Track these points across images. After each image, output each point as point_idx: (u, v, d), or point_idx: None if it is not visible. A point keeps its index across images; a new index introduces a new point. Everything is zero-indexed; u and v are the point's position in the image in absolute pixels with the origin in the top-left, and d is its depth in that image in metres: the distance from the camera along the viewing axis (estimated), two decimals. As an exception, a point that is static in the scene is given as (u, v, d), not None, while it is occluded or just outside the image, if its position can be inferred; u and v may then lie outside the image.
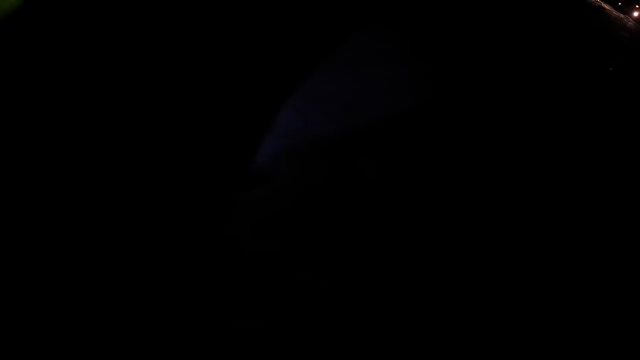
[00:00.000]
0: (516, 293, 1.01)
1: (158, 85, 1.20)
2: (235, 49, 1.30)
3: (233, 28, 1.29)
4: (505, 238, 1.08)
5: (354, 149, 1.18)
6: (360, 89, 1.26)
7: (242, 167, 1.14)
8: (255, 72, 1.27)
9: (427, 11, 1.41)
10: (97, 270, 0.98)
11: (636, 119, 1.30)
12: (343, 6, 1.35)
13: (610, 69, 1.45)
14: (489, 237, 1.08)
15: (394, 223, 1.09)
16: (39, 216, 1.02)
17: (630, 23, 1.67)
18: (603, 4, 1.67)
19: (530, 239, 1.08)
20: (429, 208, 1.11)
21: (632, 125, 1.30)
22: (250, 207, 1.09)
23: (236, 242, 1.04)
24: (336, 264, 1.03)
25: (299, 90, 1.26)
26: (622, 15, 1.70)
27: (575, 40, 1.47)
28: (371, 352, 0.95)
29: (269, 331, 0.95)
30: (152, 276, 0.99)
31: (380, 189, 1.12)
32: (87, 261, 0.99)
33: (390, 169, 1.16)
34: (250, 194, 1.11)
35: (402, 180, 1.14)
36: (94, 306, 0.95)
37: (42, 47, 1.14)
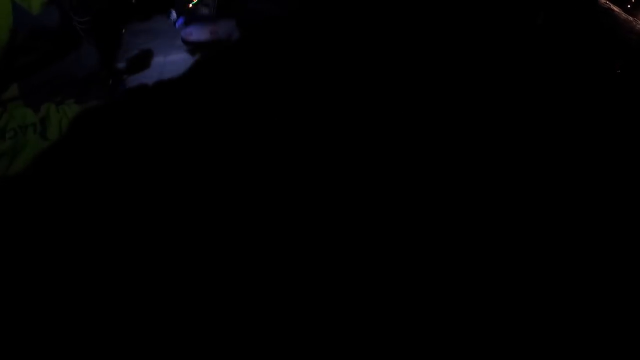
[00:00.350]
0: (510, 291, 1.01)
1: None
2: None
3: None
4: (504, 236, 1.08)
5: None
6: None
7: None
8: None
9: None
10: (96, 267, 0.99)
11: (642, 122, 1.30)
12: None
13: (617, 70, 1.45)
14: (488, 232, 1.08)
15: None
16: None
17: (639, 26, 1.67)
18: (612, 6, 1.66)
19: (528, 236, 1.08)
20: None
21: (638, 127, 1.29)
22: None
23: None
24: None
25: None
26: (630, 18, 1.70)
27: (583, 41, 1.46)
28: (369, 348, 0.95)
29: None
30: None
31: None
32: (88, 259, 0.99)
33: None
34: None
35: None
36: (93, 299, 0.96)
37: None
